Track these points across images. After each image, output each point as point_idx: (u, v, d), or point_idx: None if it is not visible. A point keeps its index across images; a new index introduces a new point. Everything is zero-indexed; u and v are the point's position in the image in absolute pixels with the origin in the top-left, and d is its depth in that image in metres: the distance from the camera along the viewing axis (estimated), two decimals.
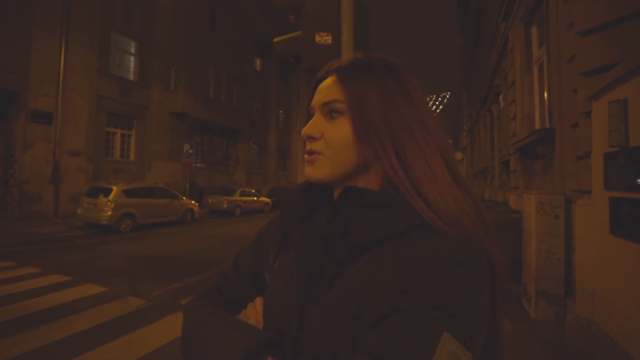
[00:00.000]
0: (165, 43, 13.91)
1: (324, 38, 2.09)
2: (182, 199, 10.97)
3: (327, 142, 0.51)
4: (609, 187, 2.44)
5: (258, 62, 20.80)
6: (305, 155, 0.54)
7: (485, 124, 11.79)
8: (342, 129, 0.51)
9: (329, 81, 0.54)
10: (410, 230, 0.46)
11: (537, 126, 5.05)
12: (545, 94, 4.56)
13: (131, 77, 12.99)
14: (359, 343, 0.42)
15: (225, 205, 13.40)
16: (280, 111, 23.53)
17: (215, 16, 16.08)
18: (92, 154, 11.13)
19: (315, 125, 0.52)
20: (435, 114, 0.55)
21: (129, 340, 2.90)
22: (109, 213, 8.37)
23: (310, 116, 0.56)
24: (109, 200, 8.44)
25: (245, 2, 18.05)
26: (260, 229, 0.70)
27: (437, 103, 28.54)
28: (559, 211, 3.29)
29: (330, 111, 0.52)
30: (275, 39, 2.40)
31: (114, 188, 8.71)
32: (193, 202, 11.59)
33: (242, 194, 14.36)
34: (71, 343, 2.83)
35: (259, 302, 0.58)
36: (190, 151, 13.02)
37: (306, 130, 0.53)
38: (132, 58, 13.12)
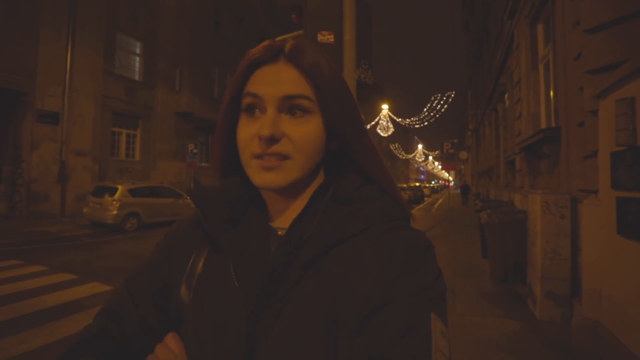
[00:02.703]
0: (170, 43, 13.99)
1: (325, 37, 2.08)
2: (186, 198, 11.02)
3: (296, 143, 0.44)
4: (617, 186, 2.41)
5: None
6: (261, 161, 0.43)
7: (491, 123, 11.71)
8: (312, 129, 0.45)
9: (285, 70, 0.45)
10: (372, 224, 0.45)
11: (543, 125, 5.00)
12: (551, 93, 4.52)
13: (136, 77, 13.08)
14: (346, 350, 0.39)
15: None
16: None
17: (220, 16, 16.14)
18: (97, 153, 11.23)
19: (276, 123, 0.43)
20: None
21: None
22: (115, 212, 8.43)
23: (245, 106, 0.46)
24: (114, 200, 8.51)
25: (249, 1, 18.10)
26: (158, 243, 0.56)
27: (442, 102, 28.40)
28: (565, 211, 3.25)
29: (293, 107, 0.44)
30: (277, 39, 2.39)
31: (120, 187, 8.78)
32: None
33: None
34: None
35: (171, 340, 0.45)
36: (195, 151, 13.07)
37: (268, 129, 0.42)
38: (137, 58, 13.20)
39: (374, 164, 0.50)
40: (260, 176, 0.44)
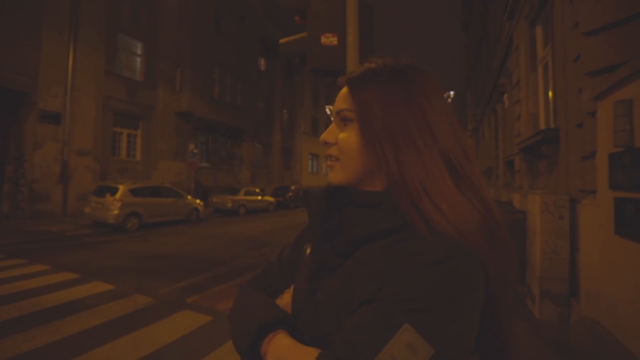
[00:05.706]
0: (171, 44, 14.02)
1: (329, 39, 2.11)
2: (187, 198, 11.05)
3: (340, 148, 0.56)
4: (614, 187, 2.44)
5: (262, 62, 20.84)
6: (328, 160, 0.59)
7: (490, 123, 11.73)
8: (351, 137, 0.55)
9: (343, 90, 0.57)
10: (399, 229, 0.48)
11: (542, 126, 5.03)
12: (550, 94, 4.54)
13: (137, 77, 13.11)
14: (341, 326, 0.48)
15: (229, 205, 13.45)
16: (285, 111, 23.55)
17: (220, 17, 16.15)
18: (99, 153, 11.26)
19: (331, 131, 0.58)
20: (449, 115, 0.53)
21: (136, 337, 2.95)
22: (116, 212, 8.46)
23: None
24: (115, 199, 8.53)
25: (249, 2, 18.12)
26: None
27: None
28: (563, 211, 3.28)
29: (341, 119, 0.57)
30: (281, 40, 2.42)
31: (121, 187, 8.81)
32: (198, 201, 11.67)
33: (246, 194, 14.41)
34: (80, 339, 2.89)
35: (293, 289, 0.65)
36: (195, 151, 13.10)
37: (323, 136, 0.59)
38: (139, 59, 13.24)
39: (413, 174, 0.49)
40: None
